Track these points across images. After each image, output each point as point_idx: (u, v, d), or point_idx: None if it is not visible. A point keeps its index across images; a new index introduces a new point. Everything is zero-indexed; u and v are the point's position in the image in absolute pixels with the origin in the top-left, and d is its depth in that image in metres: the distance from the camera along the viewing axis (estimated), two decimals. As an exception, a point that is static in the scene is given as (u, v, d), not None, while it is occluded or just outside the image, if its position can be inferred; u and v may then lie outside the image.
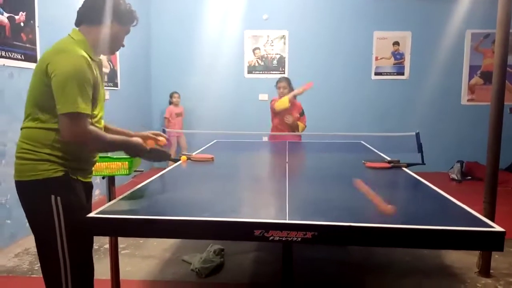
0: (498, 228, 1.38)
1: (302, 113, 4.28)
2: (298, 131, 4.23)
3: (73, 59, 1.49)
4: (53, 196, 1.52)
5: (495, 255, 2.93)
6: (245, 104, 6.43)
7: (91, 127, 1.53)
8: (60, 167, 1.54)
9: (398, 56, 6.41)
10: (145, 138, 1.95)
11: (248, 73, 6.55)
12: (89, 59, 1.54)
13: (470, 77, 6.39)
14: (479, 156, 5.43)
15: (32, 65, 3.43)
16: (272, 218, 1.52)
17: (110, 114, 1.82)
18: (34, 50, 3.50)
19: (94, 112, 1.61)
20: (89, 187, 1.74)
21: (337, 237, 1.43)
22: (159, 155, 1.89)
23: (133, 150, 1.74)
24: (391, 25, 6.34)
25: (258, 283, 2.71)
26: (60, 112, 1.47)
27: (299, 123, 4.22)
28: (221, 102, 6.43)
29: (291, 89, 4.22)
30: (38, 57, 3.53)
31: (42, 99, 1.52)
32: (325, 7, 6.37)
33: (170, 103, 6.25)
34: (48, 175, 1.52)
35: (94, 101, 1.58)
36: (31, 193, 1.54)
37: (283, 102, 4.06)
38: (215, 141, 4.18)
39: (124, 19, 1.67)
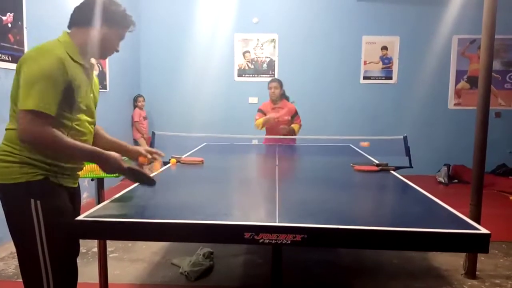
0: (483, 230, 1.40)
1: (295, 115, 4.30)
2: (295, 134, 4.26)
3: (44, 58, 1.45)
4: (32, 200, 1.48)
5: (481, 257, 2.97)
6: (235, 107, 6.44)
7: (52, 129, 1.44)
8: (40, 171, 1.51)
9: (386, 61, 6.49)
10: (135, 154, 1.87)
11: (238, 76, 6.56)
12: (68, 60, 1.50)
13: (457, 81, 6.49)
14: (466, 159, 5.50)
15: (20, 67, 3.39)
16: (262, 220, 1.53)
17: (98, 116, 1.80)
18: (22, 51, 3.46)
19: (74, 115, 1.56)
20: (74, 193, 1.70)
21: (326, 240, 1.44)
22: (140, 179, 1.73)
23: (104, 164, 1.58)
24: (380, 30, 6.41)
25: (248, 285, 2.71)
26: (20, 108, 1.41)
27: (293, 126, 4.23)
28: (211, 105, 6.42)
29: (282, 90, 4.31)
30: (26, 58, 3.49)
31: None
32: (314, 12, 6.41)
33: (135, 106, 6.23)
34: (28, 178, 1.48)
35: (72, 104, 1.54)
36: (11, 197, 1.51)
37: (257, 124, 4.25)
38: (204, 143, 4.18)
39: (115, 22, 1.62)
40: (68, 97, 1.51)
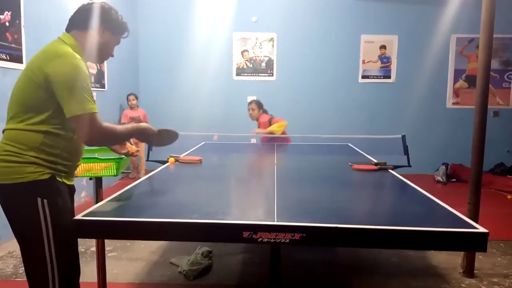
0: (481, 229, 1.41)
1: (270, 120, 4.50)
2: (277, 133, 4.38)
3: (72, 62, 1.49)
4: (39, 199, 1.49)
5: (479, 256, 2.98)
6: (233, 106, 6.44)
7: (104, 123, 1.57)
8: (46, 170, 1.52)
9: (385, 60, 6.49)
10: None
11: (236, 75, 6.56)
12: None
13: (455, 80, 6.50)
14: (464, 158, 5.54)
15: (18, 66, 3.38)
16: (261, 219, 1.53)
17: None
18: (20, 50, 3.45)
19: None
20: (72, 190, 1.72)
21: (325, 239, 1.44)
22: (168, 136, 1.94)
23: (143, 135, 1.80)
24: (378, 29, 6.41)
25: (246, 284, 2.71)
26: (71, 115, 1.48)
27: (270, 129, 4.40)
28: (209, 104, 6.42)
29: (260, 111, 4.63)
30: (24, 57, 3.48)
31: (32, 101, 1.50)
32: (313, 11, 6.41)
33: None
34: (34, 177, 1.49)
35: None
36: (16, 197, 1.51)
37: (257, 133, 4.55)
38: (203, 143, 4.18)
39: (116, 28, 1.69)
40: None
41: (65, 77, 1.47)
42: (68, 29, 1.64)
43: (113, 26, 1.67)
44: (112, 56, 1.76)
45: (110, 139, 1.69)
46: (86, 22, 1.62)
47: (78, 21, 1.63)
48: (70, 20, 1.65)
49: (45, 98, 1.49)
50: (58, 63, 1.48)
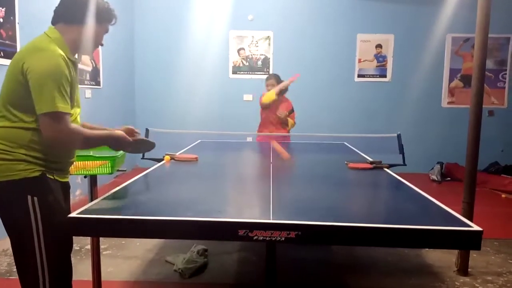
0: (476, 227, 1.41)
1: (291, 111, 4.31)
2: (287, 126, 4.27)
3: (50, 58, 1.46)
4: (29, 197, 1.48)
5: (473, 254, 2.99)
6: (229, 104, 6.43)
7: (73, 125, 1.51)
8: (37, 167, 1.51)
9: (380, 59, 6.50)
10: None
11: (232, 73, 6.54)
12: (66, 57, 1.52)
13: (451, 80, 6.52)
14: (459, 157, 5.55)
15: (12, 62, 3.36)
16: (256, 218, 1.53)
17: (92, 112, 1.80)
18: (14, 47, 3.42)
19: (71, 111, 1.57)
20: (66, 187, 1.71)
21: (320, 237, 1.44)
22: (144, 146, 1.90)
23: (116, 143, 1.71)
24: (374, 28, 6.42)
25: (242, 283, 2.72)
26: (39, 112, 1.44)
27: (289, 119, 4.25)
28: (205, 102, 6.40)
29: None
30: (18, 54, 3.45)
31: (17, 98, 1.49)
32: (309, 9, 6.41)
33: None
34: (24, 175, 1.49)
35: (71, 100, 1.56)
36: (6, 194, 1.50)
37: (270, 95, 4.14)
38: (199, 141, 4.17)
39: (102, 17, 1.65)
40: (70, 94, 1.54)
41: (39, 72, 1.44)
42: (53, 22, 1.62)
43: (99, 16, 1.63)
44: (102, 45, 1.73)
45: (78, 143, 1.58)
46: (71, 15, 1.58)
47: (63, 14, 1.60)
48: (55, 12, 1.62)
49: (27, 95, 1.46)
50: (35, 57, 1.46)
